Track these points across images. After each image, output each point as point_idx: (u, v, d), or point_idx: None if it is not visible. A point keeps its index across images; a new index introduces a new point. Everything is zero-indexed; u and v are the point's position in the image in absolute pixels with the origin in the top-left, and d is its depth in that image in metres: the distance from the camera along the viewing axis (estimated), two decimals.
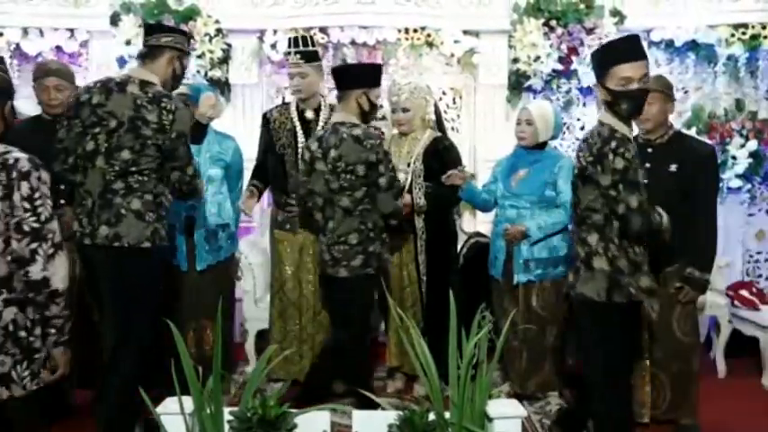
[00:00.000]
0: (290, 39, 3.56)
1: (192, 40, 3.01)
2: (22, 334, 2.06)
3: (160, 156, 2.68)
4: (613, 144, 2.36)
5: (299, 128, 3.55)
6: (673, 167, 3.03)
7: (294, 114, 3.58)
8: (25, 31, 4.46)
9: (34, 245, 2.01)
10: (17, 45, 4.46)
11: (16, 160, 2.05)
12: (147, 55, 2.80)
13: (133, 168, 2.65)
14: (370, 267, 3.10)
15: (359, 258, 3.08)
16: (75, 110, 2.75)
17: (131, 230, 2.63)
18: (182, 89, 3.39)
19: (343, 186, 3.06)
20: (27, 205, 2.02)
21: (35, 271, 2.00)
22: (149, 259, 2.69)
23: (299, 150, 3.48)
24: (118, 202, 2.64)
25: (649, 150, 3.08)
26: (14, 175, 2.03)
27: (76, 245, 2.76)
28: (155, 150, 2.67)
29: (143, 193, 2.67)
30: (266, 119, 3.65)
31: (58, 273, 2.04)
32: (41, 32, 4.48)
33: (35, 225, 2.02)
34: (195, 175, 2.81)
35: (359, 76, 3.19)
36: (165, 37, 2.80)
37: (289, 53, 3.50)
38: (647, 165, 3.01)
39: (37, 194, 2.04)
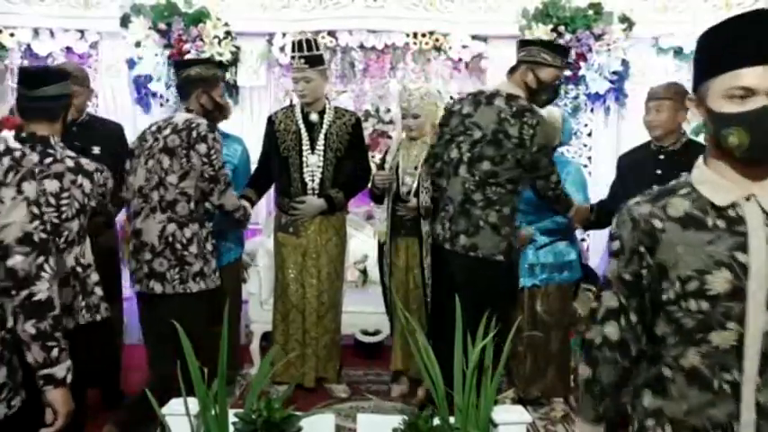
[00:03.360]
0: (293, 43, 3.51)
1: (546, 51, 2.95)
2: (178, 246, 2.77)
3: (519, 169, 2.78)
4: None
5: (303, 130, 3.54)
6: (684, 175, 3.01)
7: (299, 117, 3.56)
8: (36, 32, 4.49)
9: (212, 185, 2.82)
10: (28, 45, 4.49)
11: (198, 124, 2.79)
12: (511, 69, 2.94)
13: (491, 180, 2.77)
14: None
15: None
16: (447, 118, 2.96)
17: (487, 242, 2.77)
18: None
19: None
20: (205, 159, 2.77)
21: (214, 200, 2.85)
22: (500, 270, 2.81)
23: (303, 153, 3.49)
24: (477, 214, 2.79)
25: (661, 157, 3.08)
26: (194, 135, 2.75)
27: (434, 247, 2.98)
28: (513, 163, 2.77)
29: (501, 206, 2.79)
30: (271, 121, 3.64)
31: (229, 201, 2.90)
32: (52, 33, 4.51)
33: (212, 173, 2.81)
34: (559, 181, 2.95)
35: None
36: (522, 51, 2.92)
37: (293, 57, 3.48)
38: (658, 171, 3.00)
39: (212, 151, 2.79)
